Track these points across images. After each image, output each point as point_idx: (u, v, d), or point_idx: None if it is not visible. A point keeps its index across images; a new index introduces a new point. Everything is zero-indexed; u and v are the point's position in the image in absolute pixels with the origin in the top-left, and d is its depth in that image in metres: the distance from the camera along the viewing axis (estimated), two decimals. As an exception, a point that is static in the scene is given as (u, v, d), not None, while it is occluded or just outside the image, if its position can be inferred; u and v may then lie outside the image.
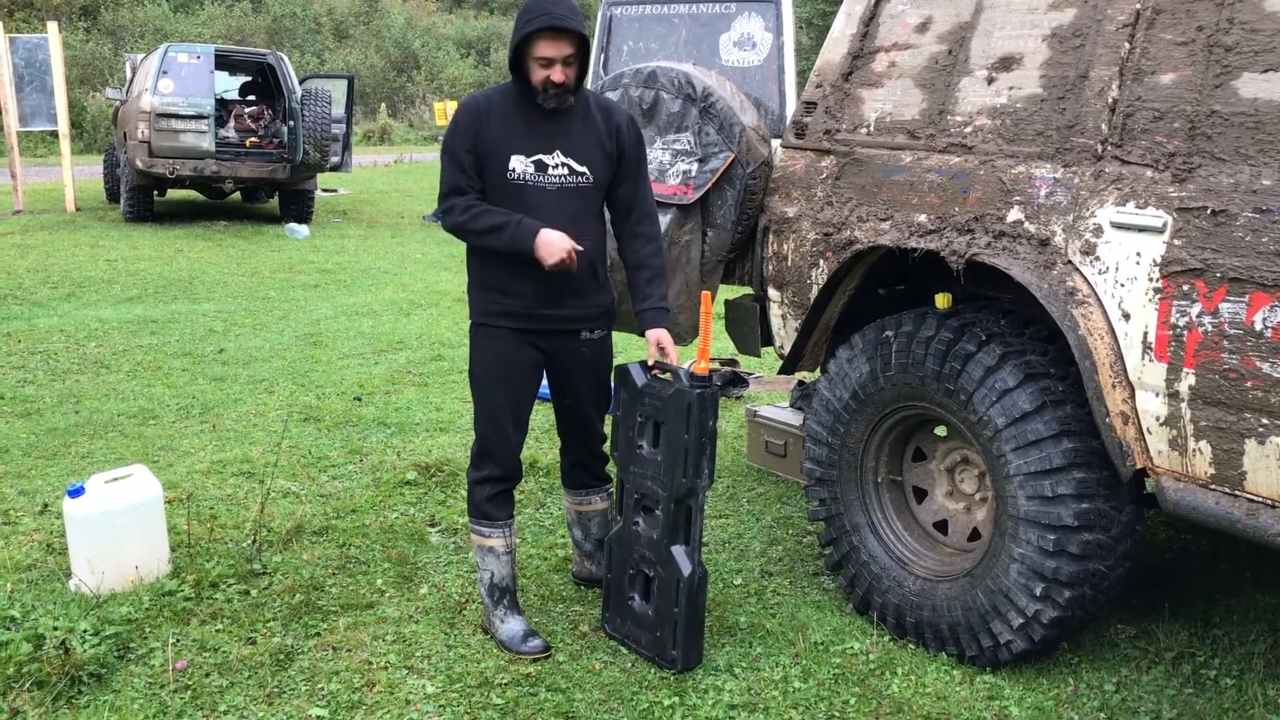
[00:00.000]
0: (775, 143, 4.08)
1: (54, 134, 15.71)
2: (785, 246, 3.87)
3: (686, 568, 3.21)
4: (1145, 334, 2.90)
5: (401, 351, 7.32)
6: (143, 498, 3.74)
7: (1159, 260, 2.85)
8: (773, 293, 3.98)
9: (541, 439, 5.26)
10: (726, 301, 4.32)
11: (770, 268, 3.96)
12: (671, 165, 3.97)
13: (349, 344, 7.50)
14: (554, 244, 3.13)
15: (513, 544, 3.43)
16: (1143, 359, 2.91)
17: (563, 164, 3.23)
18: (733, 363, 6.72)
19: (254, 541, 3.95)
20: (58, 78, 13.44)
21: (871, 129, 3.69)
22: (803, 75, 4.32)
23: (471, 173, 3.20)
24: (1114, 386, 2.96)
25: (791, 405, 5.14)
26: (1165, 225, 2.85)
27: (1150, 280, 2.88)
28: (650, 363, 3.34)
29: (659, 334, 3.35)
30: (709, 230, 4.02)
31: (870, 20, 3.79)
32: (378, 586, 3.77)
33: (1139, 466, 2.97)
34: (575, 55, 3.14)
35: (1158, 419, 2.91)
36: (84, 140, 23.04)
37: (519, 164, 3.20)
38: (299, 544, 4.05)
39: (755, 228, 4.01)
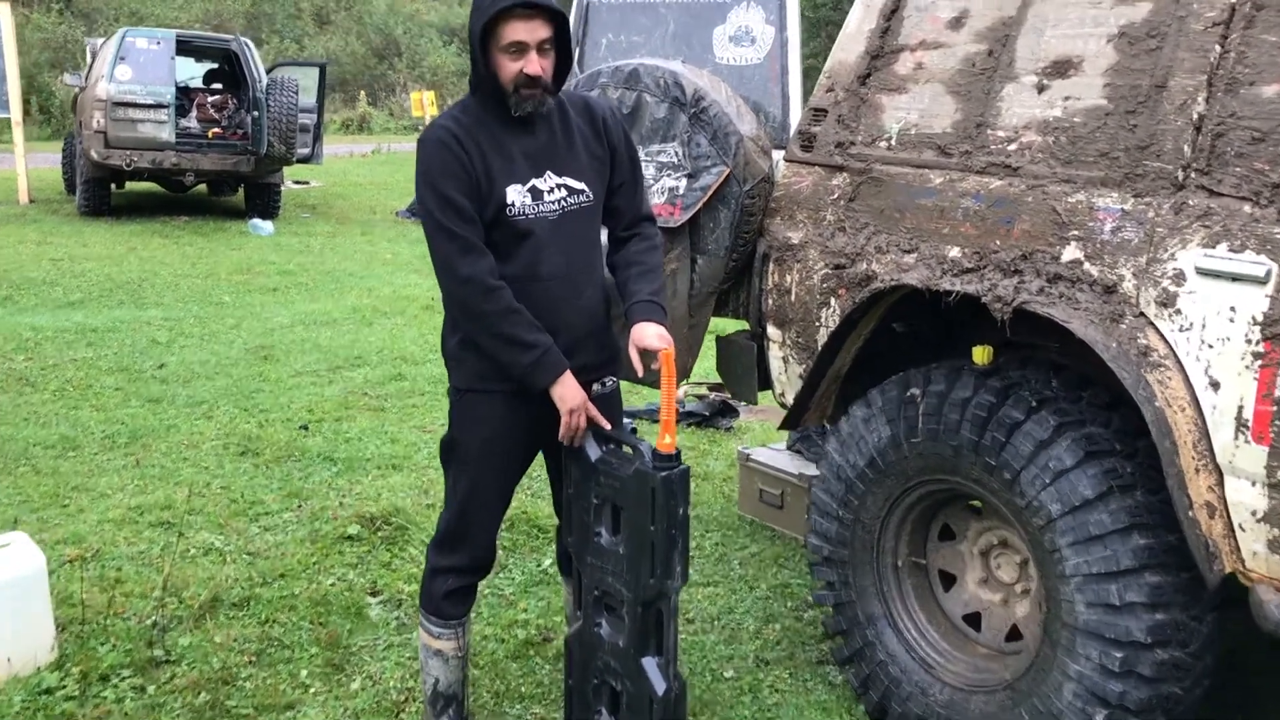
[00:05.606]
0: (777, 155, 3.49)
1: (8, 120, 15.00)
2: (788, 278, 3.29)
3: (661, 686, 2.60)
4: (1240, 408, 2.33)
5: (359, 369, 6.71)
6: (20, 573, 3.14)
7: (1260, 318, 2.29)
8: (773, 331, 3.40)
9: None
10: (718, 339, 3.74)
11: (770, 302, 3.38)
12: (656, 181, 3.39)
13: (303, 359, 6.88)
14: (574, 396, 2.57)
15: (465, 645, 2.82)
16: (1235, 439, 2.35)
17: (558, 185, 2.60)
18: (720, 388, 6.14)
19: (155, 623, 3.35)
20: (10, 59, 12.72)
21: (893, 142, 3.11)
22: (809, 76, 3.72)
23: (475, 219, 2.52)
24: (1197, 471, 2.39)
25: (789, 448, 4.57)
26: (1269, 274, 2.28)
27: (1248, 342, 2.31)
28: (636, 361, 2.61)
29: (643, 330, 2.61)
30: (699, 257, 3.44)
31: (893, 13, 3.21)
32: (301, 680, 3.18)
33: (1228, 570, 2.41)
34: (551, 42, 2.51)
35: (1254, 514, 2.34)
36: (52, 126, 22.32)
37: (517, 195, 2.54)
38: (213, 620, 3.45)
39: (753, 255, 3.43)
